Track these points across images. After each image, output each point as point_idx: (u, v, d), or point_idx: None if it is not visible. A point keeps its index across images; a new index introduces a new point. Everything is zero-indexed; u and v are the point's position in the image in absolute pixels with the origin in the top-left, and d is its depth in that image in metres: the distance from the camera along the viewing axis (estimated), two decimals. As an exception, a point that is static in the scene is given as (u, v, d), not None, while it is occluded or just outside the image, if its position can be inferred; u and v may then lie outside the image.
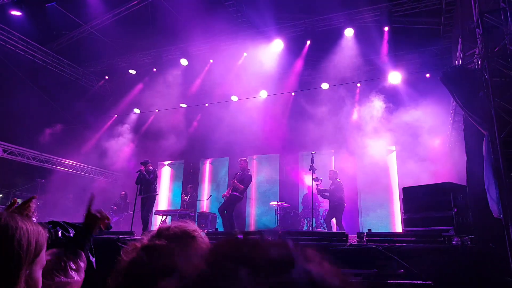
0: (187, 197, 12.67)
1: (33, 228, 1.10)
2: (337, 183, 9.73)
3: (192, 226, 1.18)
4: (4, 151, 12.41)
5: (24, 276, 1.05)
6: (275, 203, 11.41)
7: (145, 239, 1.14)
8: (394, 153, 12.36)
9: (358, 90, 12.86)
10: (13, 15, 10.56)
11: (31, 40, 13.11)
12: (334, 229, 9.39)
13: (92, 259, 2.44)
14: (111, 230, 3.83)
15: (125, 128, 15.06)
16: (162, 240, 1.10)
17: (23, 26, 11.55)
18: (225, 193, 9.13)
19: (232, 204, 8.72)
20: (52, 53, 14.00)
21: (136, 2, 12.46)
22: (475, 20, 5.60)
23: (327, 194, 9.71)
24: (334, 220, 9.53)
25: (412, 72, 12.24)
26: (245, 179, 8.80)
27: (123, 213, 12.85)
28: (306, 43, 12.56)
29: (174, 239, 1.10)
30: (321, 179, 9.76)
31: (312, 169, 8.99)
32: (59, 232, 2.20)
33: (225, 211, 8.68)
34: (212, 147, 13.67)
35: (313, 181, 9.22)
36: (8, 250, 1.02)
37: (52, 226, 2.02)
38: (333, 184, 9.77)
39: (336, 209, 9.48)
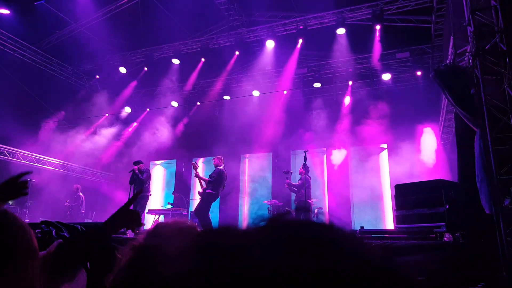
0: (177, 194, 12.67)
1: (25, 226, 1.09)
2: (305, 178, 9.75)
3: (189, 222, 1.17)
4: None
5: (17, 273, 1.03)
6: (268, 201, 11.41)
7: (142, 238, 1.12)
8: (385, 151, 12.44)
9: (349, 89, 12.91)
10: (1, 13, 10.40)
11: (20, 39, 12.93)
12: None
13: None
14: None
15: (117, 127, 14.95)
16: (158, 239, 1.09)
17: (12, 24, 11.39)
18: (200, 190, 8.71)
19: (207, 203, 8.43)
20: (41, 52, 13.82)
21: (126, 0, 12.36)
22: (466, 18, 5.65)
23: (295, 189, 9.88)
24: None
25: (403, 70, 12.33)
26: (216, 175, 8.60)
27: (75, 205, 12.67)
28: (298, 41, 12.57)
29: (171, 236, 1.09)
30: (291, 172, 10.00)
31: (306, 168, 9.01)
32: (53, 232, 2.18)
33: (200, 211, 8.32)
34: (205, 146, 13.64)
35: (284, 173, 9.58)
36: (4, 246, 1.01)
37: (46, 225, 2.00)
38: (301, 180, 9.86)
39: (301, 205, 9.68)
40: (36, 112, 13.34)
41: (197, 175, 8.62)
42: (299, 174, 9.98)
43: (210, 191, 8.43)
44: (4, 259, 1.00)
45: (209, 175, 8.67)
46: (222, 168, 8.79)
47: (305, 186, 9.34)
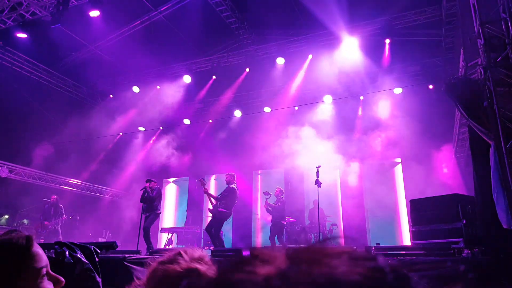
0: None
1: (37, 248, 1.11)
2: (281, 200, 10.31)
3: (200, 252, 1.17)
4: (10, 171, 12.47)
5: None
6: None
7: (181, 262, 1.11)
8: (399, 166, 12.28)
9: (361, 102, 12.87)
10: (19, 37, 10.73)
11: (36, 62, 13.32)
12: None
13: (98, 279, 2.42)
14: (116, 249, 3.81)
15: (130, 147, 15.12)
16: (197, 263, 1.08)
17: (29, 47, 11.72)
18: (211, 207, 8.62)
19: (219, 222, 8.33)
20: (57, 74, 14.18)
21: (139, 22, 12.66)
22: (476, 30, 5.63)
23: (271, 209, 10.28)
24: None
25: (415, 84, 12.27)
26: (227, 194, 8.50)
27: (57, 219, 11.53)
28: (307, 57, 12.65)
29: (200, 262, 1.08)
30: (270, 194, 10.36)
31: (318, 183, 8.92)
32: (66, 252, 2.20)
33: (212, 230, 8.25)
34: (217, 163, 13.67)
35: (264, 194, 10.23)
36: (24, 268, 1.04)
37: (59, 246, 2.01)
38: (278, 201, 10.29)
39: (275, 226, 10.10)
40: (52, 132, 13.59)
41: (206, 192, 8.58)
42: (275, 196, 10.36)
43: (222, 209, 8.31)
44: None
45: (221, 193, 8.64)
46: (234, 186, 8.67)
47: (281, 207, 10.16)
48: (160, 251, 6.68)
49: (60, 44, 12.40)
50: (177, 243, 12.08)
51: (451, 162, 11.15)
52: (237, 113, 14.11)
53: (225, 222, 8.55)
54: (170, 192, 16.02)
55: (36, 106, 13.18)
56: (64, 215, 11.75)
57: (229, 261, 0.43)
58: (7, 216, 14.67)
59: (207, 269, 1.09)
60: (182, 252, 1.15)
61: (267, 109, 13.57)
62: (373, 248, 5.58)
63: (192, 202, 14.72)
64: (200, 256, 1.15)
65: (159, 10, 12.12)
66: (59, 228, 11.57)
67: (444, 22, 10.11)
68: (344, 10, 10.55)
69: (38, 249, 1.12)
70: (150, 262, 1.13)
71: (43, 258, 1.12)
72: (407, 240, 10.93)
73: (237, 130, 14.09)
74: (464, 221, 5.25)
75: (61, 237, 11.28)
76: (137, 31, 12.87)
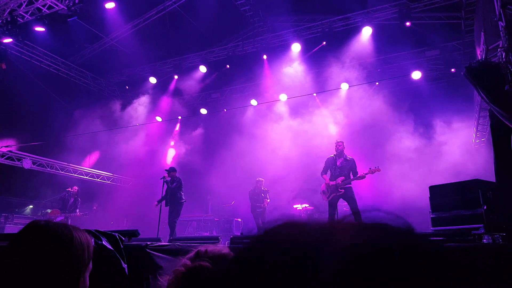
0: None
1: (85, 236, 1.15)
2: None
3: (227, 250, 1.14)
4: (34, 163, 12.81)
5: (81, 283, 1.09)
6: (299, 206, 11.31)
7: (186, 262, 1.09)
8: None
9: (374, 88, 12.64)
10: (37, 31, 10.92)
11: (55, 55, 13.54)
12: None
13: (124, 265, 2.50)
14: (138, 236, 3.91)
15: (148, 136, 15.30)
16: (204, 261, 1.07)
17: (47, 40, 11.93)
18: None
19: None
20: (75, 66, 14.40)
21: (154, 12, 12.70)
22: (497, 12, 5.47)
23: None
24: None
25: (433, 68, 12.03)
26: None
27: (71, 213, 11.48)
28: (322, 43, 12.48)
29: (214, 259, 1.07)
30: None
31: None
32: (92, 240, 2.27)
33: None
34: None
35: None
36: (68, 257, 1.07)
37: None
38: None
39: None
40: (71, 123, 13.87)
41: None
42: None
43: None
44: (52, 276, 1.04)
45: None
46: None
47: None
48: (180, 239, 6.82)
49: (78, 37, 12.57)
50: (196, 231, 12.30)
51: (471, 148, 10.95)
52: (253, 102, 14.07)
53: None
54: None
55: (56, 98, 13.45)
56: (78, 212, 11.66)
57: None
58: (31, 206, 15.13)
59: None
60: (201, 251, 1.13)
61: (283, 97, 13.49)
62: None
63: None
64: (219, 254, 1.12)
65: (173, 0, 12.12)
66: (69, 221, 11.30)
67: (464, 4, 9.83)
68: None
69: (82, 241, 1.14)
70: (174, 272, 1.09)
71: (87, 251, 1.14)
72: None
73: (252, 120, 14.08)
74: (485, 207, 5.18)
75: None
76: (152, 22, 12.92)
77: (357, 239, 0.37)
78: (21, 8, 10.47)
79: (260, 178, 10.72)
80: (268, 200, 10.64)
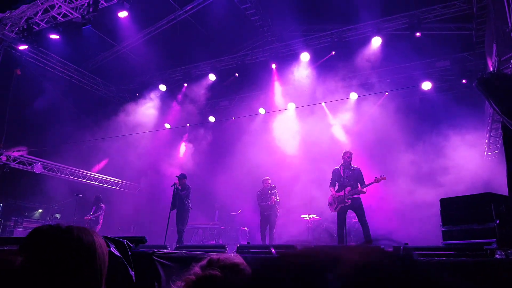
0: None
1: (104, 242, 1.15)
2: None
3: (239, 259, 1.14)
4: (44, 167, 12.93)
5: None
6: (306, 216, 11.21)
7: (197, 270, 1.10)
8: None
9: (384, 98, 12.55)
10: (52, 38, 11.11)
11: (68, 61, 13.75)
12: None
13: (132, 272, 2.49)
14: (145, 243, 3.90)
15: (157, 144, 15.37)
16: (215, 270, 1.08)
17: (61, 48, 12.13)
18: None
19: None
20: (87, 73, 14.60)
21: (165, 21, 12.86)
22: (509, 23, 5.43)
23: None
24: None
25: (444, 80, 11.95)
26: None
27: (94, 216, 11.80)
28: (331, 53, 12.47)
29: (225, 269, 1.06)
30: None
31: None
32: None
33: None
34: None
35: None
36: (91, 262, 1.06)
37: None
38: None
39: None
40: (83, 129, 14.00)
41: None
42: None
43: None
44: (77, 280, 1.03)
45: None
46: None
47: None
48: (187, 247, 6.80)
49: (90, 45, 12.76)
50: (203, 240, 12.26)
51: (484, 159, 10.81)
52: (261, 110, 14.08)
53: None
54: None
55: (68, 104, 13.61)
56: (90, 216, 11.81)
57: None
58: (40, 210, 15.26)
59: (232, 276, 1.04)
60: (213, 259, 1.12)
61: (291, 106, 13.49)
62: (401, 248, 5.48)
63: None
64: (231, 263, 1.11)
65: (184, 10, 12.25)
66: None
67: (475, 16, 9.77)
68: (371, 5, 10.39)
69: (103, 246, 1.13)
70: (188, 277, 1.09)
71: (107, 256, 1.13)
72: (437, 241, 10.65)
73: (260, 127, 14.09)
74: (498, 221, 5.08)
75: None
76: (163, 31, 13.07)
77: (358, 264, 0.44)
78: (37, 16, 10.67)
79: (266, 177, 10.36)
80: (278, 199, 9.79)
